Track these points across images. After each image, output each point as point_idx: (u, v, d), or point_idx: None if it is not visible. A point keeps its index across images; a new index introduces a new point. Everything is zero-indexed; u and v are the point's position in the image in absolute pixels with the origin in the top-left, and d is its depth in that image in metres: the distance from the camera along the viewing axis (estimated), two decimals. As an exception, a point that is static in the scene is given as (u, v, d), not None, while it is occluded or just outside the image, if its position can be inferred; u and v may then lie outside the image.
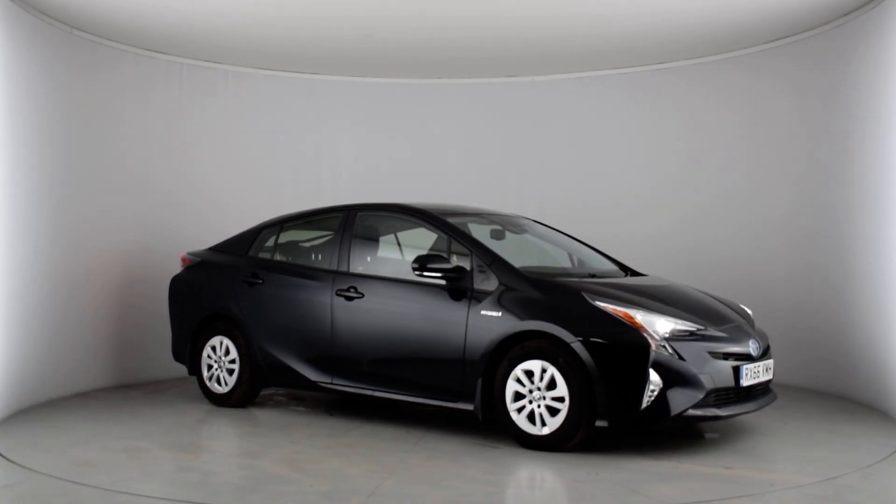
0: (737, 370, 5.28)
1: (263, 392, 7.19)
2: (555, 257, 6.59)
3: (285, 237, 6.91)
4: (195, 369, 6.92)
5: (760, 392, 5.59)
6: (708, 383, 5.11)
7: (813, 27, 7.31)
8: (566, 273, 6.07)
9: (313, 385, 6.31)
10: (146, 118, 7.90)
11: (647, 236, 8.39)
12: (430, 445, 5.50)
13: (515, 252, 6.13)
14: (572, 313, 5.28)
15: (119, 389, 7.45)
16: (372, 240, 6.53)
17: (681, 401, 5.05)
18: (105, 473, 4.83)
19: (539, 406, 5.26)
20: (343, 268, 6.28)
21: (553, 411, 5.22)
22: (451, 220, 6.13)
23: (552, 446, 5.23)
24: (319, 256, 6.69)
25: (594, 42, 7.83)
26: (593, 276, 6.04)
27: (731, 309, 5.86)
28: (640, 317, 5.17)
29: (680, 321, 5.27)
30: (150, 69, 7.94)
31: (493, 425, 5.60)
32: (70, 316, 7.03)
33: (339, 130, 9.06)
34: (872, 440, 5.61)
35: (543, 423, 5.25)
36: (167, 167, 8.05)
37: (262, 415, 6.53)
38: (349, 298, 6.12)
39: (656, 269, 7.00)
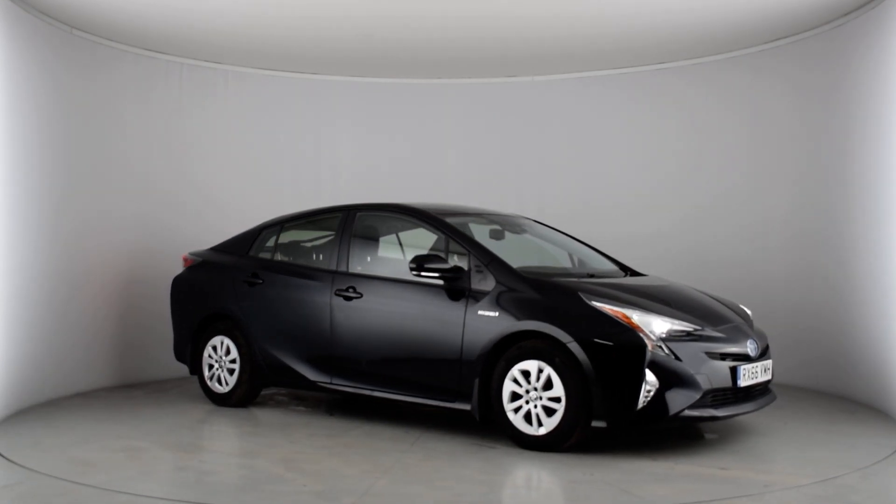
0: (734, 371, 5.27)
1: (265, 392, 7.20)
2: (555, 257, 6.59)
3: (285, 237, 6.92)
4: (196, 369, 6.94)
5: (759, 392, 5.58)
6: (704, 384, 5.10)
7: (813, 27, 7.31)
8: (564, 273, 6.06)
9: (313, 385, 6.32)
10: (146, 118, 7.91)
11: (647, 236, 8.39)
12: (428, 445, 5.50)
13: (515, 252, 6.13)
14: (569, 313, 5.27)
15: (121, 389, 7.46)
16: (371, 240, 6.53)
17: (677, 401, 5.04)
18: (103, 473, 4.84)
19: (536, 406, 5.26)
20: (342, 268, 6.28)
21: (549, 411, 5.22)
22: (450, 220, 6.13)
23: (549, 446, 5.23)
24: (319, 256, 6.70)
25: (594, 42, 7.83)
26: (592, 276, 6.03)
27: (731, 309, 5.85)
28: (636, 317, 5.16)
29: (677, 321, 5.26)
30: (150, 69, 7.94)
31: (491, 425, 5.60)
32: (70, 315, 7.03)
33: (339, 130, 9.06)
34: (872, 440, 5.60)
35: (540, 424, 5.25)
36: (167, 167, 8.06)
37: (262, 414, 6.54)
38: (348, 298, 6.12)
39: (656, 269, 7.00)
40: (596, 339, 5.13)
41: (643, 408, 5.01)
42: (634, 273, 6.40)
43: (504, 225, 6.57)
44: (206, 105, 8.39)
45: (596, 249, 6.71)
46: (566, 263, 6.49)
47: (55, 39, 6.93)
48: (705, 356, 5.19)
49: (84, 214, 7.20)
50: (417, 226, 6.26)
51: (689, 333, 5.24)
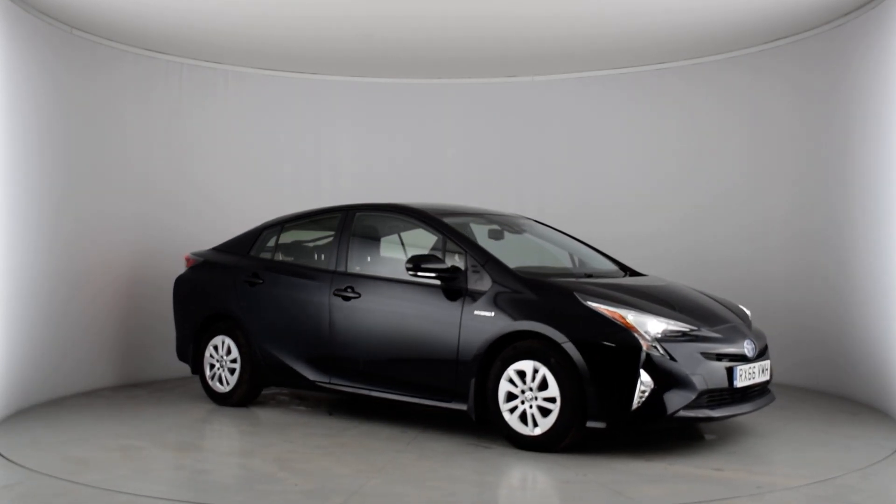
0: (731, 371, 5.25)
1: (267, 391, 7.22)
2: (555, 257, 6.59)
3: (286, 237, 6.92)
4: (198, 369, 6.95)
5: (758, 393, 5.56)
6: (700, 384, 5.08)
7: (813, 27, 7.31)
8: (561, 273, 6.05)
9: (312, 385, 6.32)
10: (146, 118, 7.91)
11: (647, 236, 8.38)
12: (423, 445, 5.50)
13: (514, 252, 6.13)
14: (564, 314, 5.27)
15: (124, 389, 7.48)
16: (370, 240, 6.54)
17: (672, 402, 5.02)
18: (96, 471, 4.86)
19: (531, 406, 5.26)
20: (341, 268, 6.28)
21: (545, 412, 5.22)
22: (449, 220, 6.13)
23: (544, 447, 5.22)
24: (319, 257, 6.71)
25: (594, 42, 7.83)
26: (590, 276, 6.03)
27: (729, 309, 5.83)
28: (631, 317, 5.15)
29: (672, 322, 5.25)
30: (150, 69, 7.94)
31: (488, 426, 5.59)
32: (71, 315, 7.03)
33: (339, 130, 9.06)
34: (871, 441, 5.58)
35: (535, 424, 5.25)
36: (167, 167, 8.06)
37: (262, 414, 6.55)
38: (346, 298, 6.12)
39: (656, 269, 7.00)
40: (591, 340, 5.13)
41: (638, 408, 5.00)
42: (634, 273, 6.39)
43: (504, 225, 6.56)
44: (206, 105, 8.39)
45: (596, 249, 6.71)
46: (566, 263, 6.48)
47: (55, 39, 6.93)
48: (701, 357, 5.17)
49: (84, 214, 7.20)
50: (415, 226, 6.26)
51: (684, 334, 5.23)
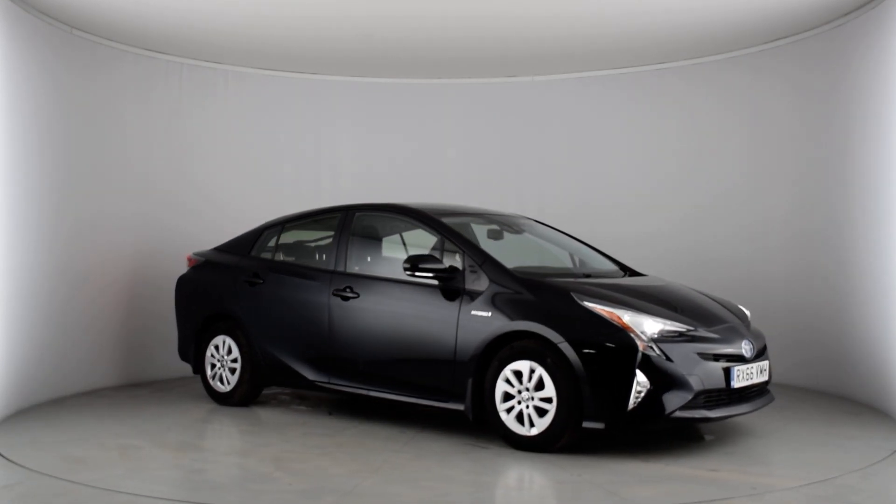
0: (728, 371, 5.24)
1: (269, 391, 7.23)
2: (554, 257, 6.58)
3: (286, 237, 6.93)
4: (199, 368, 6.96)
5: (756, 394, 5.55)
6: (697, 385, 5.07)
7: (813, 27, 7.30)
8: (559, 273, 6.03)
9: (312, 385, 6.32)
10: (146, 118, 7.91)
11: (647, 236, 8.38)
12: (421, 445, 5.50)
13: (514, 252, 6.13)
14: (560, 314, 5.26)
15: (126, 388, 7.50)
16: (369, 240, 6.54)
17: (668, 402, 5.01)
18: (92, 470, 4.88)
19: (527, 407, 5.26)
20: (340, 268, 6.29)
21: (541, 412, 5.21)
22: (448, 220, 6.13)
23: (540, 447, 5.22)
24: (319, 257, 6.71)
25: (594, 42, 7.83)
26: (589, 276, 6.02)
27: (728, 310, 5.82)
28: (627, 317, 5.15)
29: (669, 322, 5.24)
30: (150, 69, 7.94)
31: (485, 426, 5.58)
32: (71, 315, 7.03)
33: (339, 130, 9.06)
34: (870, 443, 5.56)
35: (532, 424, 5.25)
36: (167, 167, 8.06)
37: (263, 413, 6.55)
38: (345, 298, 6.13)
39: (656, 269, 7.00)
40: (587, 340, 5.12)
41: (634, 408, 4.99)
42: (634, 273, 6.39)
43: (503, 225, 6.56)
44: (206, 105, 8.39)
45: (596, 249, 6.70)
46: (566, 263, 6.48)
47: (55, 39, 6.93)
48: (698, 357, 5.16)
49: (84, 214, 7.20)
50: (414, 226, 6.27)
51: (681, 334, 5.22)
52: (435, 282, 5.71)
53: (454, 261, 5.75)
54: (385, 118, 9.12)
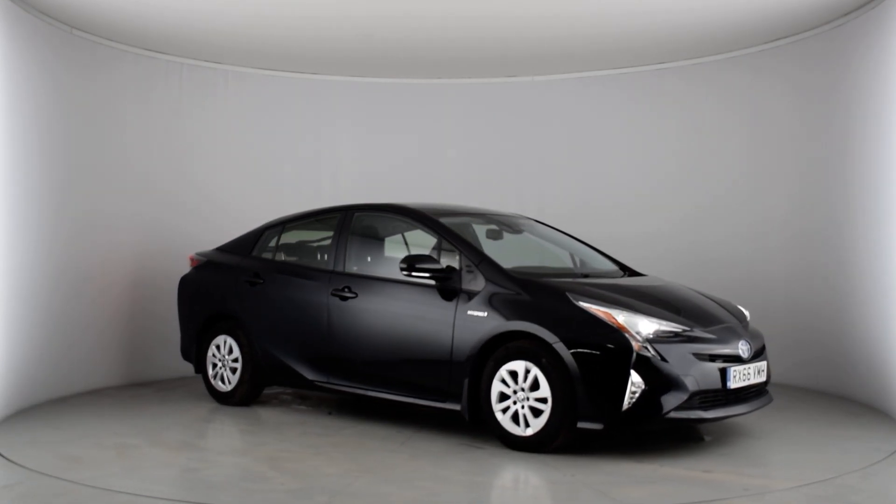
0: (724, 372, 5.22)
1: (270, 391, 7.24)
2: (554, 257, 6.58)
3: (287, 238, 6.94)
4: (201, 368, 6.98)
5: (754, 394, 5.52)
6: (692, 385, 5.05)
7: (813, 27, 7.30)
8: (557, 273, 6.01)
9: (311, 384, 6.33)
10: (146, 118, 7.91)
11: (647, 236, 8.38)
12: (417, 445, 5.51)
13: (514, 252, 6.12)
14: (555, 314, 5.25)
15: (130, 388, 7.51)
16: (368, 240, 6.54)
17: (663, 403, 4.99)
18: (88, 469, 4.90)
19: (523, 407, 5.25)
20: (339, 268, 6.29)
21: (536, 412, 5.20)
22: (446, 220, 6.13)
23: (536, 447, 5.21)
24: (319, 257, 6.72)
25: (594, 42, 7.83)
26: (587, 276, 6.02)
27: (726, 310, 5.81)
28: (622, 317, 5.13)
29: (664, 322, 5.22)
30: (150, 69, 7.94)
31: (481, 426, 5.58)
32: (72, 315, 7.03)
33: (339, 130, 9.06)
34: (869, 444, 5.52)
35: (527, 424, 5.24)
36: (167, 167, 8.06)
37: (263, 413, 6.56)
38: (344, 298, 6.13)
39: (656, 269, 7.00)
40: (581, 340, 5.12)
41: (628, 409, 4.98)
42: (634, 273, 6.39)
43: (503, 225, 6.56)
44: (206, 105, 8.39)
45: (596, 249, 6.70)
46: (566, 263, 6.48)
47: (55, 39, 6.93)
48: (693, 357, 5.14)
49: (84, 214, 7.20)
50: (412, 225, 6.27)
51: (676, 334, 5.20)
52: (432, 282, 5.70)
53: (452, 261, 5.74)
54: (385, 118, 9.12)
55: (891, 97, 6.32)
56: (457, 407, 5.54)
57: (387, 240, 6.63)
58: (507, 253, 5.92)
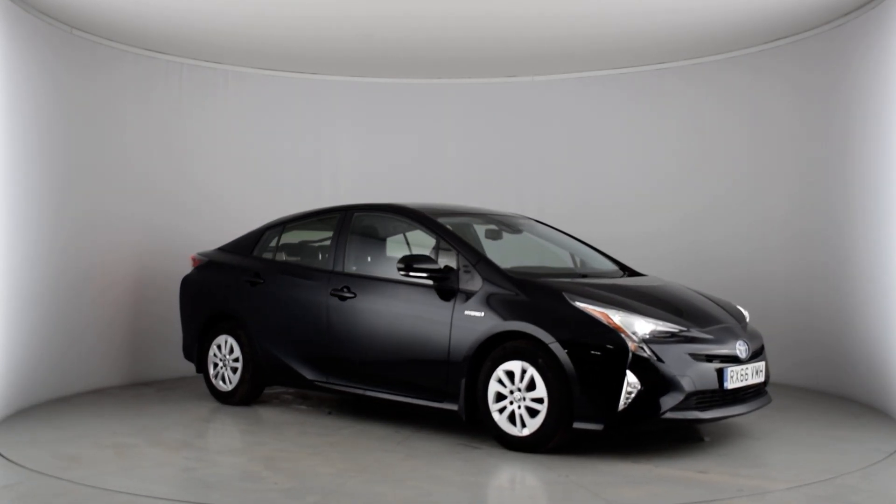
0: (721, 372, 5.20)
1: (272, 390, 7.25)
2: (554, 257, 6.58)
3: (287, 238, 6.95)
4: (202, 367, 6.99)
5: (752, 395, 5.50)
6: (688, 386, 5.03)
7: (813, 27, 7.30)
8: (555, 273, 6.00)
9: (311, 384, 6.34)
10: (146, 118, 7.91)
11: (647, 236, 8.38)
12: (413, 445, 5.51)
13: (514, 252, 6.12)
14: (551, 314, 5.25)
15: (133, 387, 7.53)
16: (366, 240, 6.54)
17: (659, 403, 4.98)
18: (84, 468, 4.92)
19: (519, 407, 5.25)
20: (338, 268, 6.30)
21: (532, 412, 5.20)
22: (446, 220, 6.13)
23: (532, 447, 5.21)
24: (319, 257, 6.72)
25: (594, 42, 7.83)
26: (586, 276, 6.01)
27: (725, 310, 5.79)
28: (618, 318, 5.12)
29: (661, 322, 5.20)
30: (150, 69, 7.94)
31: (479, 426, 5.57)
32: (73, 315, 7.04)
33: (340, 130, 9.06)
34: (867, 445, 5.50)
35: (523, 425, 5.24)
36: (167, 167, 8.06)
37: (263, 413, 6.57)
38: (343, 298, 6.13)
39: (656, 269, 7.00)
40: (578, 340, 5.11)
41: (624, 409, 4.97)
42: (633, 273, 6.38)
43: (503, 225, 6.56)
44: (206, 105, 8.39)
45: (596, 249, 6.70)
46: (566, 263, 6.48)
47: (55, 39, 6.93)
48: (689, 358, 5.12)
49: (84, 214, 7.20)
50: (410, 225, 6.28)
51: (673, 335, 5.18)
52: (430, 282, 5.70)
53: (450, 261, 5.74)
54: (385, 118, 9.12)
55: (891, 97, 6.32)
56: (454, 407, 5.54)
57: (386, 240, 6.63)
58: (506, 253, 5.92)
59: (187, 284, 7.27)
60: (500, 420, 5.32)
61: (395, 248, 6.50)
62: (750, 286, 7.70)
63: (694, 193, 8.34)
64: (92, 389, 7.25)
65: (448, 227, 6.03)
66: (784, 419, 6.23)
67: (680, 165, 8.46)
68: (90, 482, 4.60)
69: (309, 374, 6.33)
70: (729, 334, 5.44)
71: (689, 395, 5.05)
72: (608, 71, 8.68)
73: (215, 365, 6.90)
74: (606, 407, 4.99)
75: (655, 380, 4.99)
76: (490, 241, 6.30)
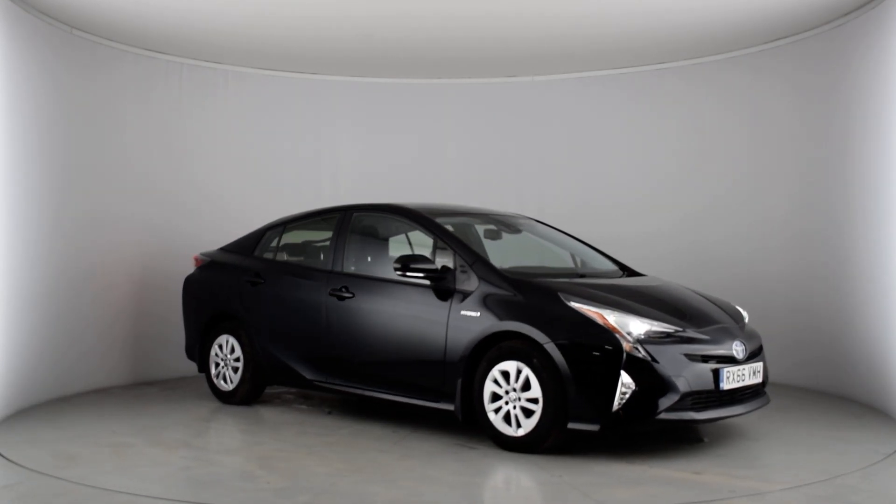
0: (717, 373, 5.19)
1: (273, 390, 7.26)
2: (553, 257, 6.58)
3: (288, 238, 6.96)
4: (204, 367, 7.01)
5: (750, 395, 5.48)
6: (683, 386, 5.01)
7: (813, 27, 7.30)
8: (552, 273, 5.98)
9: (311, 384, 6.34)
10: (146, 118, 7.91)
11: (647, 236, 8.38)
12: (410, 445, 5.51)
13: (513, 252, 6.11)
14: (547, 314, 5.24)
15: (137, 387, 7.55)
16: (365, 240, 6.54)
17: (654, 404, 4.97)
18: (81, 467, 4.93)
19: (515, 407, 5.24)
20: (337, 268, 6.30)
21: (528, 412, 5.19)
22: (445, 220, 6.14)
23: (527, 447, 5.20)
24: (319, 257, 6.72)
25: (594, 42, 7.83)
26: (584, 276, 6.00)
27: (723, 310, 5.77)
28: (612, 318, 5.11)
29: (656, 322, 5.19)
30: (150, 69, 7.94)
31: (476, 426, 5.56)
32: (74, 314, 7.04)
33: (340, 130, 9.06)
34: (866, 446, 5.48)
35: (519, 425, 5.23)
36: (167, 167, 8.06)
37: (264, 412, 6.59)
38: (341, 298, 6.14)
39: (656, 269, 7.00)
40: (572, 340, 5.10)
41: (619, 410, 4.96)
42: (633, 273, 6.38)
43: (502, 225, 6.56)
44: (206, 105, 8.39)
45: (596, 249, 6.70)
46: (565, 263, 6.47)
47: (55, 39, 6.93)
48: (684, 358, 5.09)
49: (84, 214, 7.20)
50: (408, 225, 6.28)
51: (668, 335, 5.17)
52: (427, 282, 5.70)
53: (448, 261, 5.73)
54: (385, 118, 9.12)
55: (891, 97, 6.32)
56: (450, 407, 5.54)
57: (385, 240, 6.63)
58: (506, 253, 5.92)
59: (190, 284, 7.29)
60: (496, 420, 5.32)
61: (394, 249, 6.51)
62: (750, 286, 7.70)
63: (694, 193, 8.34)
64: (94, 389, 7.25)
65: (445, 227, 6.03)
66: (784, 419, 6.23)
67: (680, 165, 8.46)
68: (86, 481, 4.61)
69: (308, 374, 6.33)
70: (726, 335, 5.41)
71: (685, 396, 5.03)
72: (608, 71, 8.68)
73: (217, 365, 6.92)
74: (601, 407, 4.98)
75: (650, 380, 4.98)
76: (489, 241, 6.30)
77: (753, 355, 5.52)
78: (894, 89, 6.28)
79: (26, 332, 6.42)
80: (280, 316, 6.54)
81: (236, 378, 6.78)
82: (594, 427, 5.02)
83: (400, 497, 4.41)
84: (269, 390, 7.15)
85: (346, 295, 6.12)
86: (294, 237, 6.99)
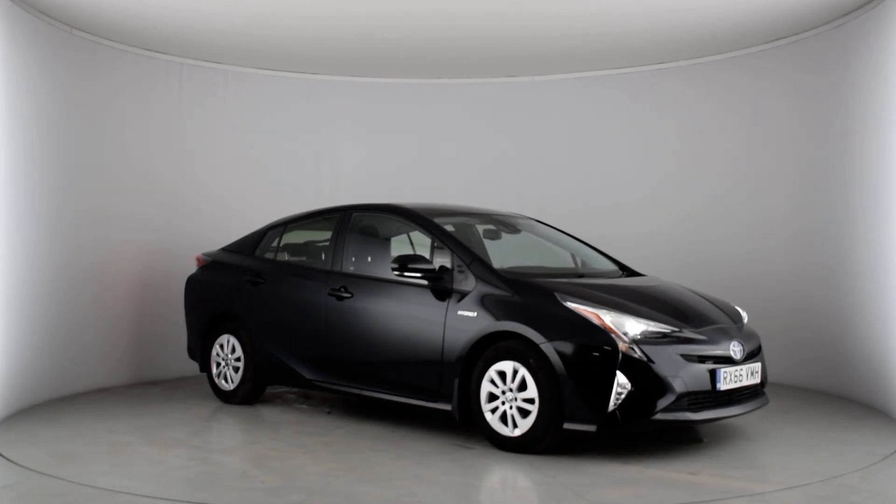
0: (713, 373, 5.17)
1: (274, 389, 7.27)
2: (553, 257, 6.58)
3: (288, 238, 6.96)
4: (205, 367, 7.02)
5: (748, 396, 5.46)
6: (680, 387, 4.99)
7: (813, 27, 7.30)
8: (551, 273, 5.97)
9: (310, 384, 6.35)
10: (146, 118, 7.91)
11: (647, 236, 8.38)
12: (406, 445, 5.51)
13: (513, 252, 6.11)
14: (543, 314, 5.23)
15: (139, 386, 7.57)
16: (364, 240, 6.54)
17: (650, 404, 4.96)
18: (77, 466, 4.95)
19: (511, 407, 5.24)
20: (336, 268, 6.31)
21: (524, 413, 5.19)
22: (444, 220, 6.14)
23: (524, 448, 5.20)
24: (319, 257, 6.73)
25: (594, 42, 7.83)
26: (582, 276, 6.00)
27: (722, 310, 5.75)
28: (609, 318, 5.10)
29: (652, 323, 5.18)
30: (150, 69, 7.94)
31: (473, 426, 5.56)
32: (74, 314, 7.04)
33: (339, 130, 9.06)
34: (865, 447, 5.47)
35: (515, 425, 5.23)
36: (167, 167, 8.06)
37: (264, 412, 6.60)
38: (340, 298, 6.14)
39: (656, 269, 6.99)
40: (568, 340, 5.09)
41: (615, 410, 4.95)
42: (633, 273, 6.38)
43: (502, 224, 6.56)
44: (206, 105, 8.40)
45: (596, 249, 6.70)
46: (565, 263, 6.47)
47: (55, 39, 6.93)
48: (681, 358, 5.08)
49: (84, 214, 7.21)
50: (406, 225, 6.29)
51: (665, 335, 5.15)
52: (425, 282, 5.70)
53: (446, 261, 5.73)
54: (385, 118, 9.12)
55: (891, 97, 6.32)
56: (448, 407, 5.54)
57: (383, 240, 6.63)
58: (506, 253, 5.91)
59: (191, 284, 7.30)
60: (492, 420, 5.31)
61: (393, 249, 6.51)
62: (750, 286, 7.70)
63: (694, 193, 8.34)
64: (95, 389, 7.26)
65: (443, 226, 6.03)
66: (783, 420, 6.22)
67: (680, 165, 8.45)
68: (82, 480, 4.62)
69: (308, 374, 6.34)
70: (723, 335, 5.39)
71: (681, 396, 5.01)
72: (608, 71, 8.68)
73: (218, 364, 6.93)
74: (597, 408, 4.98)
75: (646, 381, 4.97)
76: (489, 241, 6.30)
77: (752, 356, 5.50)
78: (894, 89, 6.28)
79: (26, 332, 6.42)
80: (280, 316, 6.54)
81: (237, 378, 6.79)
82: (590, 427, 5.01)
83: (393, 497, 4.41)
84: (270, 390, 7.16)
85: (345, 295, 6.12)
86: (295, 237, 7.00)
